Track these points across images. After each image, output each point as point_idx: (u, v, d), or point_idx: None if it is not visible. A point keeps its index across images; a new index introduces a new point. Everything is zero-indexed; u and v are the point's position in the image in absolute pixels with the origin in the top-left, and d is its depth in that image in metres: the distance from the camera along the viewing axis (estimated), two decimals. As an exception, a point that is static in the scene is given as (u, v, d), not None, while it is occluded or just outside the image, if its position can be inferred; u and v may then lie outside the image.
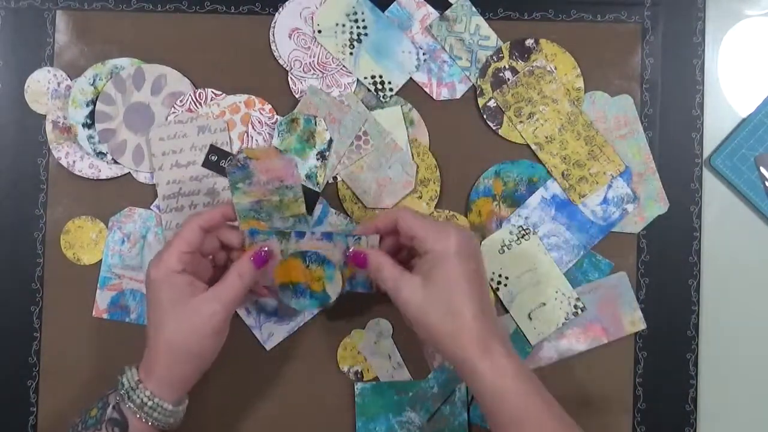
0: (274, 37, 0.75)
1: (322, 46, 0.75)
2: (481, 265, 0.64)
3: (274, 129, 0.74)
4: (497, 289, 0.74)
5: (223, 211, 0.67)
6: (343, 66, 0.75)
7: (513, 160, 0.75)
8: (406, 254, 0.69)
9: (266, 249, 0.66)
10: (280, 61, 0.75)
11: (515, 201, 0.75)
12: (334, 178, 0.75)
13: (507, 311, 0.74)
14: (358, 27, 0.75)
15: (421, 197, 0.75)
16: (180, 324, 0.63)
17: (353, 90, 0.75)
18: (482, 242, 0.74)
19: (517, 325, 0.74)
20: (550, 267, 0.74)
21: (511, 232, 0.74)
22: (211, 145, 0.74)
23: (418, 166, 0.75)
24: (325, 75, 0.75)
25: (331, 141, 0.74)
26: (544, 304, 0.74)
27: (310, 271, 0.67)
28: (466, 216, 0.75)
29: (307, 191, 0.73)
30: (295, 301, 0.68)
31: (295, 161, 0.68)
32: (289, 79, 0.75)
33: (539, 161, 0.75)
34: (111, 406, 0.64)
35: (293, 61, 0.74)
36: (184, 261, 0.64)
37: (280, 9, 0.75)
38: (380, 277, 0.64)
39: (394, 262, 0.65)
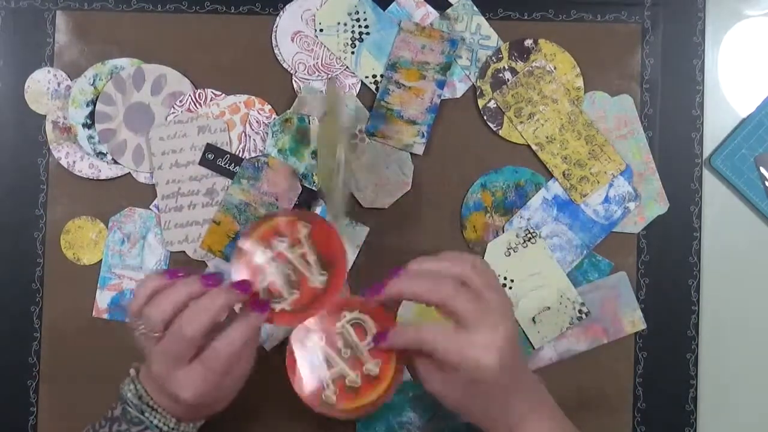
0: (276, 41, 0.75)
1: (324, 46, 0.75)
2: (515, 334, 0.60)
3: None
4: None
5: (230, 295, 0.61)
6: (347, 67, 0.75)
7: (496, 168, 0.75)
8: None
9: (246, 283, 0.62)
10: (284, 65, 0.75)
11: (507, 209, 0.75)
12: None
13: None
14: (359, 26, 0.75)
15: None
16: (217, 401, 0.63)
17: (357, 92, 0.75)
18: (488, 245, 0.74)
19: (521, 328, 0.74)
20: (555, 271, 0.74)
21: (517, 235, 0.74)
22: (208, 144, 0.74)
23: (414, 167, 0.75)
24: (329, 77, 0.75)
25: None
26: (549, 308, 0.74)
27: None
28: (461, 233, 0.75)
29: (304, 190, 0.74)
30: None
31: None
32: (293, 81, 0.75)
33: (540, 161, 0.75)
34: None
35: (297, 64, 0.74)
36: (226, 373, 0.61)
37: (281, 12, 0.75)
38: (416, 367, 0.61)
39: (432, 368, 0.60)
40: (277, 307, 0.62)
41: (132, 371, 0.64)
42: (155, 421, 0.62)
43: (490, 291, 0.59)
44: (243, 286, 0.61)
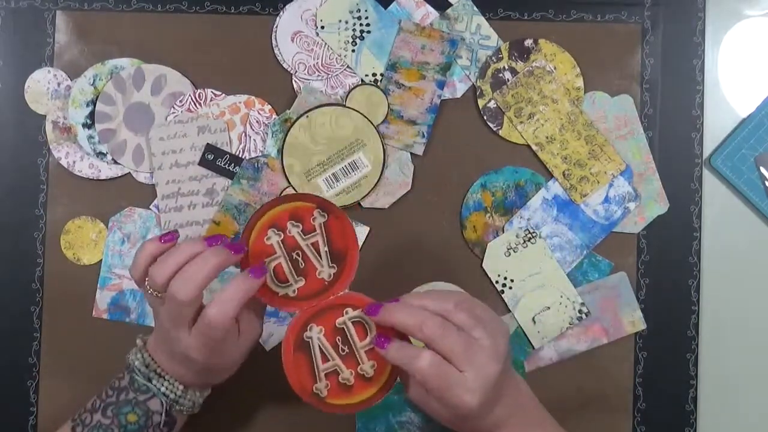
0: (276, 41, 0.75)
1: (324, 45, 0.75)
2: (509, 353, 0.59)
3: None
4: (502, 291, 0.74)
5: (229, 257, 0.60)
6: (348, 67, 0.75)
7: (496, 168, 0.75)
8: None
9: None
10: (284, 65, 0.75)
11: (507, 209, 0.75)
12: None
13: (511, 313, 0.74)
14: (360, 24, 0.75)
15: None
16: (224, 369, 0.64)
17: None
18: (488, 245, 0.74)
19: (521, 328, 0.74)
20: (555, 271, 0.74)
21: (517, 235, 0.74)
22: (208, 144, 0.74)
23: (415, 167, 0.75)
24: (329, 76, 0.75)
25: None
26: (549, 308, 0.74)
27: None
28: (461, 233, 0.75)
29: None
30: None
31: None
32: (293, 81, 0.75)
33: (540, 161, 0.75)
34: (159, 414, 0.63)
35: (297, 64, 0.75)
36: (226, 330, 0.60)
37: (281, 12, 0.75)
38: (408, 391, 0.61)
39: (420, 387, 0.59)
40: (281, 291, 0.61)
41: (139, 341, 0.65)
42: (162, 389, 0.63)
43: (478, 329, 0.57)
44: (237, 246, 0.59)
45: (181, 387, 0.63)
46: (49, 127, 0.75)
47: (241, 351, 0.63)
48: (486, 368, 0.57)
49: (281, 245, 0.61)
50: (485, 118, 0.75)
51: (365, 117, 0.74)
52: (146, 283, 0.61)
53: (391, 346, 0.58)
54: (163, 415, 0.63)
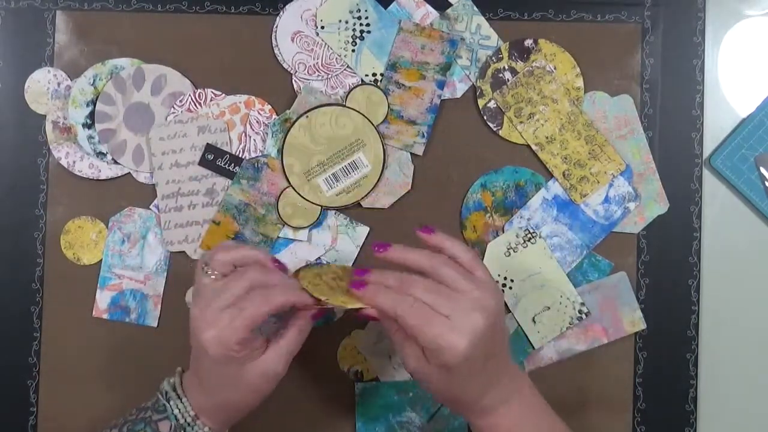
0: (276, 41, 0.75)
1: (324, 45, 0.75)
2: (499, 320, 0.61)
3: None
4: (502, 291, 0.74)
5: (297, 298, 0.63)
6: (348, 67, 0.75)
7: (496, 168, 0.75)
8: None
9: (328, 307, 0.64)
10: (284, 65, 0.75)
11: (507, 209, 0.75)
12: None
13: (511, 314, 0.74)
14: (360, 24, 0.75)
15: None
16: (239, 389, 0.63)
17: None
18: (488, 245, 0.74)
19: (521, 328, 0.74)
20: (555, 271, 0.74)
21: (517, 235, 0.74)
22: (208, 144, 0.74)
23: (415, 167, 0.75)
24: (329, 76, 0.75)
25: None
26: (549, 308, 0.74)
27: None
28: (461, 233, 0.75)
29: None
30: None
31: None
32: (293, 81, 0.75)
33: (540, 161, 0.75)
34: None
35: (297, 64, 0.74)
36: (246, 343, 0.61)
37: (281, 12, 0.75)
38: (400, 353, 0.61)
39: (412, 343, 0.60)
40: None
41: (179, 369, 0.66)
42: (175, 411, 0.63)
43: (479, 270, 0.61)
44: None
45: (192, 413, 0.63)
46: (49, 127, 0.75)
47: (258, 386, 0.63)
48: (472, 316, 0.57)
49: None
50: (485, 118, 0.75)
51: (365, 117, 0.74)
52: (206, 264, 0.63)
53: (371, 287, 0.61)
54: None
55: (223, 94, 0.75)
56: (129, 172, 0.75)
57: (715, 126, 0.76)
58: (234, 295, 0.60)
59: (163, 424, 0.63)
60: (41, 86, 0.75)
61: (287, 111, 0.74)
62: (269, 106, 0.75)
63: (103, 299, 0.75)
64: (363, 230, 0.75)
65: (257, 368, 0.62)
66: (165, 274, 0.75)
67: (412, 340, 0.59)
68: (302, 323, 0.64)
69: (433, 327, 0.57)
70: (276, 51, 0.75)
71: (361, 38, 0.75)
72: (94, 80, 0.75)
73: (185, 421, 0.63)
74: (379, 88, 0.74)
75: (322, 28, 0.75)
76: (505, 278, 0.74)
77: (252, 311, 0.59)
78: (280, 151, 0.74)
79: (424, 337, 0.58)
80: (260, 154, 0.74)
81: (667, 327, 0.75)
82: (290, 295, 0.62)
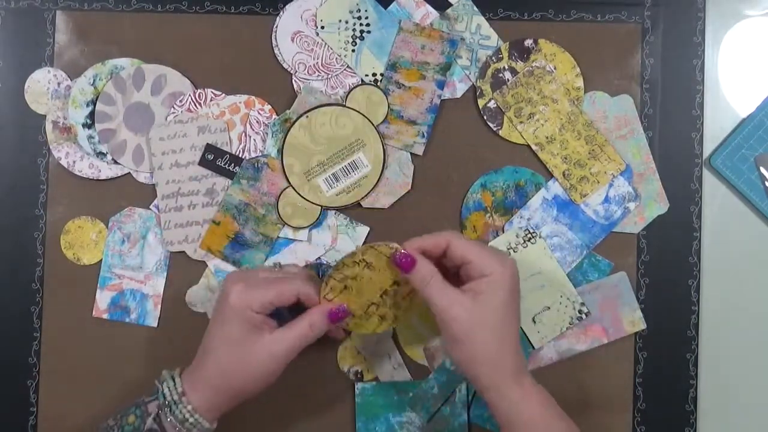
0: (276, 41, 0.75)
1: (324, 45, 0.75)
2: (519, 299, 0.65)
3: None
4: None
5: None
6: (348, 67, 0.75)
7: (496, 168, 0.75)
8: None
9: (344, 307, 0.66)
10: (284, 65, 0.75)
11: (507, 209, 0.75)
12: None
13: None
14: (360, 24, 0.75)
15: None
16: (239, 361, 0.64)
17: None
18: (488, 245, 0.74)
19: (521, 328, 0.74)
20: (555, 271, 0.74)
21: (517, 235, 0.74)
22: (208, 144, 0.74)
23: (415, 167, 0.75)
24: (329, 76, 0.75)
25: None
26: (549, 308, 0.74)
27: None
28: (461, 233, 0.74)
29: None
30: None
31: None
32: (293, 81, 0.75)
33: (540, 161, 0.75)
34: (151, 417, 0.63)
35: (297, 64, 0.75)
36: (265, 308, 0.65)
37: (281, 12, 0.75)
38: (427, 289, 0.63)
39: (442, 276, 0.64)
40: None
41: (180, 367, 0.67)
42: (165, 390, 0.64)
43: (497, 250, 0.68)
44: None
45: (180, 389, 0.63)
46: (49, 127, 0.75)
47: (264, 364, 0.64)
48: (515, 264, 0.65)
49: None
50: (485, 118, 0.75)
51: (365, 117, 0.74)
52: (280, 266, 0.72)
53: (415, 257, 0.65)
54: (152, 417, 0.63)
55: (223, 94, 0.75)
56: (129, 172, 0.75)
57: (715, 126, 0.76)
58: (275, 277, 0.67)
59: (152, 405, 0.64)
60: (41, 86, 0.75)
61: (287, 111, 0.74)
62: (269, 106, 0.75)
63: (103, 299, 0.75)
64: (363, 230, 0.75)
65: (265, 346, 0.64)
66: (165, 274, 0.75)
67: (447, 285, 0.63)
68: (315, 318, 0.65)
69: (483, 249, 0.64)
70: (276, 51, 0.75)
71: (361, 38, 0.75)
72: (94, 80, 0.75)
73: (172, 399, 0.63)
74: (379, 88, 0.74)
75: (322, 28, 0.75)
76: (505, 278, 0.74)
77: (284, 288, 0.65)
78: (280, 151, 0.74)
79: (477, 255, 0.63)
80: (260, 154, 0.74)
81: (667, 327, 0.75)
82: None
